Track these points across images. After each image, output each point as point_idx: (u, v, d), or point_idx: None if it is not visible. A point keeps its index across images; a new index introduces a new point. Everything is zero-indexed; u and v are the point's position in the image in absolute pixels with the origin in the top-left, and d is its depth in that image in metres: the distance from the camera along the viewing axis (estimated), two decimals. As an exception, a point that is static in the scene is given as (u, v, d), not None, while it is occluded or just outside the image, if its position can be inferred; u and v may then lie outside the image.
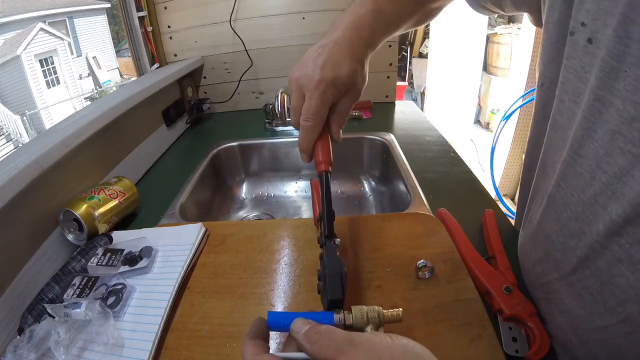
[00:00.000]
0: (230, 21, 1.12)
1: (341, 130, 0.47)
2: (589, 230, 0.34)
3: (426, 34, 3.38)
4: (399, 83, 1.82)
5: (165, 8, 1.15)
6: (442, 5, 0.57)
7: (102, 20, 10.33)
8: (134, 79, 1.17)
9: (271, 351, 0.29)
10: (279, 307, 0.43)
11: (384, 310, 0.31)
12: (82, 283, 0.46)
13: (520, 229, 0.51)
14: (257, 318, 0.30)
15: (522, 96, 2.15)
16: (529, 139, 0.48)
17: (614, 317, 0.33)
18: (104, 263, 0.50)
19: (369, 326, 0.30)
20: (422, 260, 0.46)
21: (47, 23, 8.85)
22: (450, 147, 0.88)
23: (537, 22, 0.45)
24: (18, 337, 0.40)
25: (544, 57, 0.42)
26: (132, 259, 0.49)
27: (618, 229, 0.31)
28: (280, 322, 0.30)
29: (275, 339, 0.39)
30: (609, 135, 0.31)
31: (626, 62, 0.29)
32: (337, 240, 0.40)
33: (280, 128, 1.04)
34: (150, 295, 0.45)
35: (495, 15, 3.02)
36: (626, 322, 0.32)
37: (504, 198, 2.30)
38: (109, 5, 10.09)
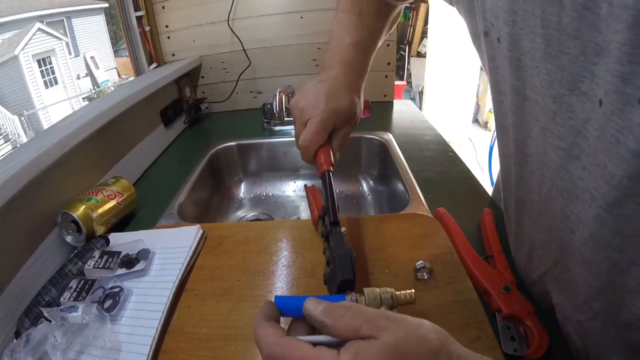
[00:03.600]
0: (228, 21, 1.11)
1: (338, 153, 0.50)
2: (556, 226, 0.34)
3: (424, 34, 3.38)
4: (397, 82, 1.82)
5: (163, 8, 1.15)
6: (401, 10, 0.59)
7: (100, 20, 10.31)
8: (131, 78, 1.16)
9: None
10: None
11: (397, 292, 0.30)
12: (79, 286, 0.46)
13: (506, 229, 0.52)
14: (268, 301, 0.28)
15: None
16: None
17: (588, 312, 0.33)
18: (100, 266, 0.49)
19: (382, 307, 0.29)
20: (420, 262, 0.46)
21: (44, 23, 8.83)
22: (449, 146, 0.88)
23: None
24: (15, 341, 0.40)
25: (480, 58, 0.42)
26: (129, 262, 0.49)
27: (572, 227, 0.31)
28: (288, 305, 0.28)
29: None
30: (541, 132, 0.32)
31: (536, 58, 0.29)
32: (343, 229, 0.41)
33: (278, 127, 1.04)
34: (147, 299, 0.45)
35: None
36: (596, 317, 0.32)
37: (502, 197, 2.29)
38: (106, 5, 10.07)
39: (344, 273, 0.33)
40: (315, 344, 0.24)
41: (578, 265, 0.32)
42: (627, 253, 0.26)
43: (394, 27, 0.60)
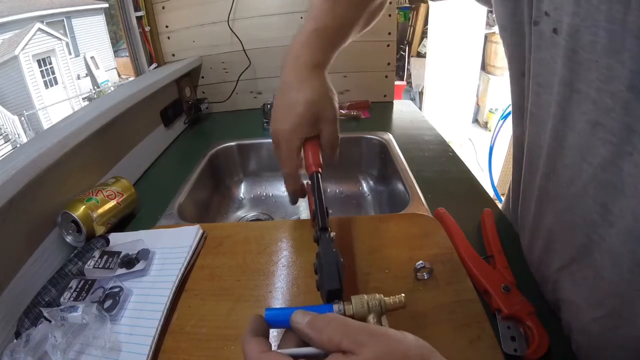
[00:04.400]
0: (228, 21, 1.11)
1: (337, 152, 0.49)
2: (583, 221, 0.34)
3: (424, 34, 3.38)
4: (397, 82, 1.83)
5: (163, 8, 1.15)
6: (384, 2, 0.56)
7: (100, 20, 10.30)
8: (132, 79, 1.16)
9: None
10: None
11: (385, 298, 0.30)
12: (79, 286, 0.46)
13: (519, 223, 0.51)
14: (256, 315, 0.29)
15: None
16: (513, 134, 0.48)
17: (603, 309, 0.33)
18: (100, 266, 0.49)
19: (370, 315, 0.29)
20: (420, 262, 0.46)
21: (45, 23, 8.82)
22: (449, 146, 0.88)
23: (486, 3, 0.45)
24: (15, 341, 0.40)
25: (509, 49, 0.41)
26: (129, 262, 0.49)
27: (610, 220, 0.31)
28: (279, 317, 0.29)
29: (272, 340, 0.39)
30: (589, 126, 0.31)
31: (596, 52, 0.28)
32: (332, 234, 0.40)
33: (278, 128, 1.04)
34: (147, 299, 0.45)
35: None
36: (612, 315, 0.33)
37: (502, 197, 2.30)
38: (106, 5, 10.07)
39: (331, 283, 0.33)
40: (298, 356, 0.25)
41: (606, 259, 0.32)
42: None
43: (375, 20, 0.56)
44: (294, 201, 0.52)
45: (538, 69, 0.37)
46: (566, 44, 0.31)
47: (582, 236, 0.35)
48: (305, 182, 0.50)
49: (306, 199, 0.52)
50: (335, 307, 0.30)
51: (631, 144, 0.28)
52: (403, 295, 0.31)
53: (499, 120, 2.30)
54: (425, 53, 3.31)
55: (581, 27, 0.29)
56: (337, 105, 0.49)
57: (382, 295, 0.30)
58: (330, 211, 0.44)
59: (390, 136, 0.92)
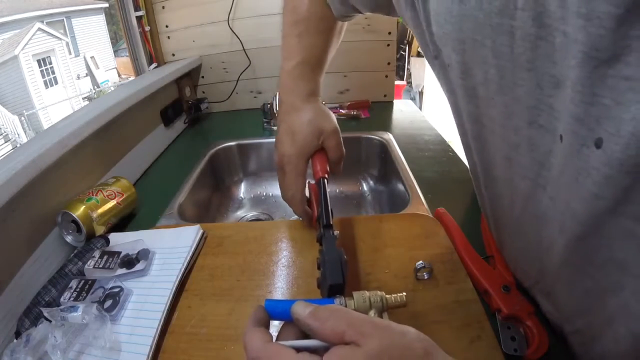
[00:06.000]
0: (228, 20, 1.11)
1: (341, 164, 0.53)
2: (530, 246, 0.34)
3: (425, 33, 3.38)
4: (397, 82, 1.82)
5: (163, 8, 1.15)
6: (344, 24, 0.58)
7: (100, 20, 10.31)
8: (132, 78, 1.16)
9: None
10: (277, 309, 0.43)
11: (387, 295, 0.30)
12: (79, 286, 0.46)
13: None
14: (258, 306, 0.29)
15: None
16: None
17: (571, 326, 0.34)
18: (100, 266, 0.49)
19: (372, 311, 0.29)
20: (420, 261, 0.46)
21: (45, 23, 8.83)
22: (449, 146, 0.88)
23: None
24: (15, 341, 0.40)
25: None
26: (129, 262, 0.49)
27: (548, 249, 0.31)
28: (278, 308, 0.28)
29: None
30: (505, 161, 0.31)
31: (491, 90, 0.27)
32: (336, 233, 0.41)
33: (278, 128, 1.04)
34: (147, 299, 0.45)
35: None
36: (579, 333, 0.33)
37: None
38: (106, 5, 10.07)
39: (333, 277, 0.33)
40: (300, 349, 0.24)
41: (558, 285, 0.32)
42: (601, 281, 0.26)
43: (341, 36, 0.59)
44: (309, 223, 0.54)
45: (453, 102, 0.36)
46: (463, 82, 0.30)
47: (535, 259, 0.35)
48: (307, 185, 0.52)
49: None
50: (337, 301, 0.30)
51: (544, 178, 0.27)
52: (404, 294, 0.31)
53: (499, 120, 2.30)
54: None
55: (471, 64, 0.28)
56: (335, 121, 0.52)
57: (383, 293, 0.30)
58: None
59: (390, 136, 0.92)
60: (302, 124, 0.49)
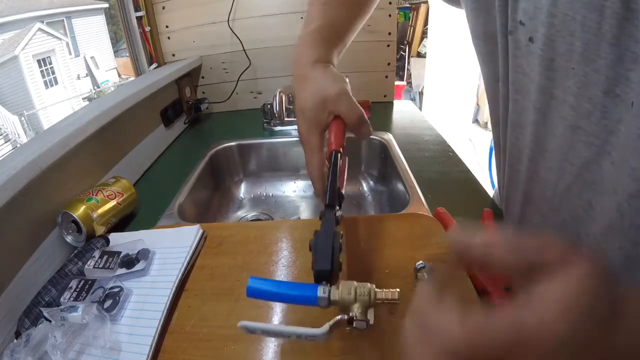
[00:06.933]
0: (228, 21, 1.11)
1: (365, 124, 0.48)
2: (571, 218, 0.36)
3: (424, 34, 3.38)
4: (397, 83, 1.82)
5: (164, 8, 1.15)
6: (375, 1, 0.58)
7: (100, 20, 10.30)
8: (132, 79, 1.17)
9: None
10: (277, 309, 0.43)
11: (377, 289, 0.29)
12: (79, 286, 0.46)
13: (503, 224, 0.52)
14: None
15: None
16: (494, 141, 0.50)
17: None
18: (100, 266, 0.49)
19: (356, 304, 0.29)
20: (420, 261, 0.45)
21: (45, 23, 8.82)
22: (449, 146, 0.88)
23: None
24: (15, 341, 0.40)
25: (482, 57, 0.43)
26: (129, 262, 0.49)
27: (595, 217, 0.32)
28: (264, 286, 0.28)
29: (272, 345, 0.39)
30: (569, 130, 0.32)
31: (573, 60, 0.30)
32: (339, 213, 0.38)
33: (278, 128, 1.04)
34: (147, 298, 0.45)
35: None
36: None
37: (503, 197, 2.29)
38: (107, 5, 10.07)
39: (321, 263, 0.31)
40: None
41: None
42: None
43: (369, 14, 0.57)
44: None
45: (515, 76, 0.37)
46: (542, 53, 0.32)
47: (571, 234, 0.36)
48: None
49: (306, 200, 0.52)
50: (321, 288, 0.29)
51: (610, 144, 0.29)
52: (398, 290, 0.30)
53: (499, 121, 2.30)
54: (425, 53, 3.31)
55: (557, 36, 0.30)
56: (342, 83, 0.48)
57: (373, 286, 0.29)
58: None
59: (391, 136, 0.92)
60: (306, 98, 0.47)
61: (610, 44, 0.26)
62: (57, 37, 9.03)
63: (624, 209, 0.28)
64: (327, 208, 0.38)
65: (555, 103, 0.33)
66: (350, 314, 0.30)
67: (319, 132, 0.47)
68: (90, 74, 9.83)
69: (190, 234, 0.54)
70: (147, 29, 1.13)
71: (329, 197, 0.39)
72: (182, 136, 1.09)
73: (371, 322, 0.30)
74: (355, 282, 0.29)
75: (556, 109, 0.33)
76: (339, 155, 0.44)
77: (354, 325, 0.29)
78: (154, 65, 1.17)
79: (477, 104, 3.59)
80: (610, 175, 0.30)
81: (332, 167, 0.43)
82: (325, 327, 0.28)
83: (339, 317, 0.30)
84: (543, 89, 0.34)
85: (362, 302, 0.28)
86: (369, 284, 0.29)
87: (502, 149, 0.46)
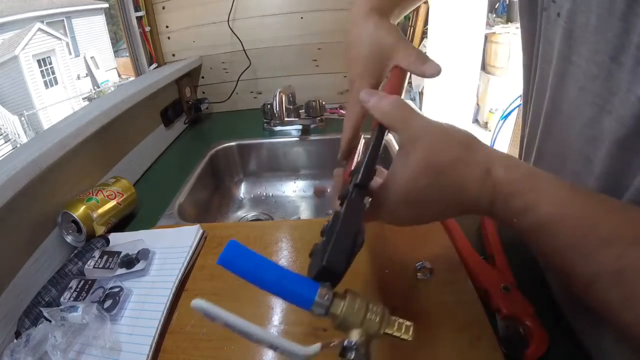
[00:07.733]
0: (228, 21, 1.11)
1: (427, 61, 0.43)
2: (572, 173, 0.39)
3: (424, 34, 3.38)
4: (397, 82, 1.83)
5: (164, 8, 1.15)
6: None
7: (100, 21, 10.31)
8: (132, 79, 1.17)
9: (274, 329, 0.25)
10: (277, 309, 0.43)
11: (392, 317, 0.23)
12: (79, 286, 0.46)
13: None
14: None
15: (520, 96, 2.16)
16: (522, 110, 0.56)
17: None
18: (100, 266, 0.49)
19: (358, 330, 0.23)
20: (420, 261, 0.46)
21: (45, 23, 8.83)
22: (449, 146, 0.88)
23: None
24: (15, 340, 0.40)
25: (525, 34, 0.48)
26: (129, 262, 0.49)
27: (592, 169, 0.36)
28: (244, 255, 0.22)
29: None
30: (578, 91, 0.37)
31: (588, 31, 0.34)
32: (368, 200, 0.31)
33: (278, 128, 1.04)
34: (147, 298, 0.45)
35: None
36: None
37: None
38: (107, 5, 10.07)
39: (334, 258, 0.24)
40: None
41: None
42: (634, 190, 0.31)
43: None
44: (341, 160, 0.46)
45: (544, 47, 0.43)
46: (565, 25, 0.37)
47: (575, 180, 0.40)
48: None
49: (306, 200, 0.52)
50: (322, 290, 0.23)
51: (611, 104, 0.33)
52: (412, 325, 0.24)
53: (499, 121, 2.30)
54: (425, 53, 3.30)
55: (577, 11, 0.35)
56: (399, 34, 0.45)
57: (387, 310, 0.23)
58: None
59: (390, 136, 0.92)
60: (360, 43, 0.45)
61: (620, 19, 0.31)
62: (57, 37, 9.03)
63: (615, 153, 0.33)
64: (355, 188, 0.30)
65: (572, 68, 0.37)
66: (348, 341, 0.23)
67: (370, 83, 0.44)
68: (90, 74, 9.83)
69: (190, 234, 0.54)
70: (147, 29, 1.13)
71: (362, 175, 0.31)
72: (182, 136, 1.09)
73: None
74: (366, 299, 0.23)
75: (571, 73, 0.38)
76: (386, 131, 0.36)
77: (349, 357, 0.23)
78: (154, 65, 1.17)
79: (477, 104, 3.59)
80: (609, 132, 0.34)
81: (374, 141, 0.35)
82: (315, 347, 0.23)
83: (337, 341, 0.24)
84: (562, 55, 0.38)
85: (367, 329, 0.22)
86: (382, 306, 0.23)
87: (526, 116, 0.52)
